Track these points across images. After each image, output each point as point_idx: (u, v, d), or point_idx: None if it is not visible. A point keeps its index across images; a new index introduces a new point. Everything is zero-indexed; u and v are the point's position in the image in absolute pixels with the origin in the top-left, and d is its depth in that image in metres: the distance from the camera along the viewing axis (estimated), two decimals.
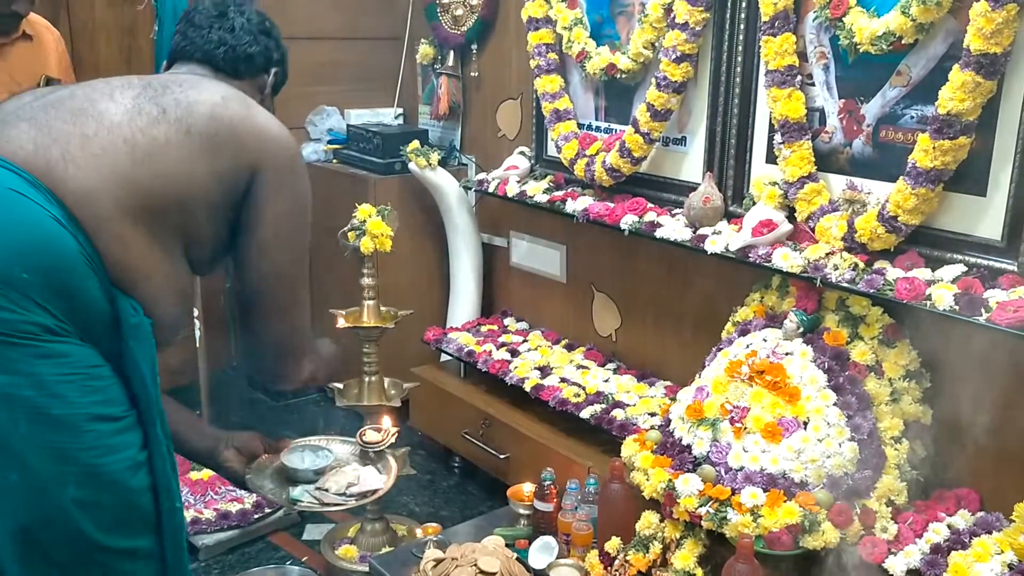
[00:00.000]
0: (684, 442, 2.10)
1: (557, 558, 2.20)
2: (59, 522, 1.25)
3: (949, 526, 1.96)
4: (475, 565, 1.98)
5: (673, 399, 2.41)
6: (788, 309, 2.25)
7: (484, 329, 3.29)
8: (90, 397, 1.27)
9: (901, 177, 1.97)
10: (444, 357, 3.29)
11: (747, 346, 2.20)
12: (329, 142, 3.72)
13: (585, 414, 2.61)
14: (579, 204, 2.75)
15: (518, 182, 3.05)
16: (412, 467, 2.76)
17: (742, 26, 2.35)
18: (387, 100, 3.85)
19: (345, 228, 2.54)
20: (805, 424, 2.00)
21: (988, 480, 2.07)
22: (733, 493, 1.95)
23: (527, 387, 2.80)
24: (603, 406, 2.63)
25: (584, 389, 2.73)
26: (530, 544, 2.26)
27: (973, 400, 2.08)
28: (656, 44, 2.55)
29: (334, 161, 3.67)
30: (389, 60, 3.80)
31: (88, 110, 1.32)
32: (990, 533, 1.93)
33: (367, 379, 2.63)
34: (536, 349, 3.08)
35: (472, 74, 3.42)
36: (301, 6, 3.58)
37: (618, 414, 2.57)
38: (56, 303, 1.24)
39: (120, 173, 1.29)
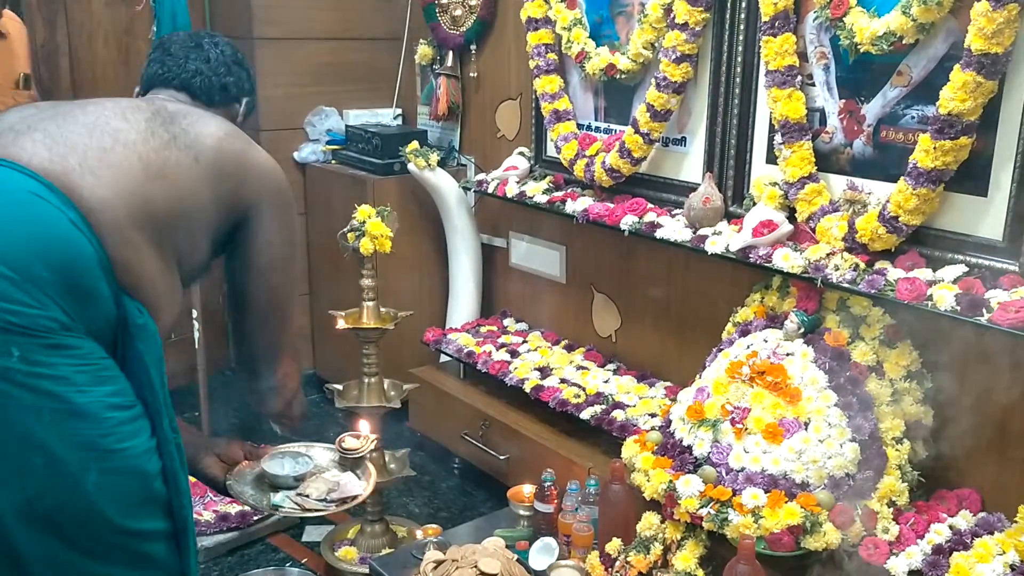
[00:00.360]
0: (685, 443, 2.10)
1: (558, 559, 2.20)
2: (80, 506, 1.30)
3: (951, 527, 1.96)
4: (475, 567, 1.97)
5: (673, 400, 2.40)
6: (789, 310, 2.25)
7: (483, 330, 3.28)
8: (104, 387, 1.33)
9: (902, 177, 1.96)
10: (443, 358, 3.29)
11: (748, 347, 2.20)
12: (328, 143, 3.71)
13: (585, 415, 2.61)
14: (579, 205, 2.75)
15: (517, 183, 3.05)
16: (412, 468, 2.75)
17: (742, 26, 2.35)
18: (386, 100, 3.85)
19: (345, 229, 2.53)
20: (806, 425, 1.99)
21: (989, 480, 2.07)
22: (734, 494, 1.94)
23: (527, 388, 2.79)
24: (603, 407, 2.62)
25: (584, 390, 2.72)
26: (530, 545, 2.25)
27: (974, 400, 2.08)
28: (656, 44, 2.55)
29: (332, 162, 3.67)
30: (388, 60, 3.80)
31: (103, 126, 1.41)
32: (992, 534, 1.93)
33: (367, 380, 2.63)
34: (536, 350, 3.07)
35: (471, 74, 3.42)
36: (299, 6, 3.57)
37: (618, 415, 2.57)
38: (69, 301, 1.30)
39: (134, 186, 1.38)
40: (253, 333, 1.68)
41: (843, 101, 2.16)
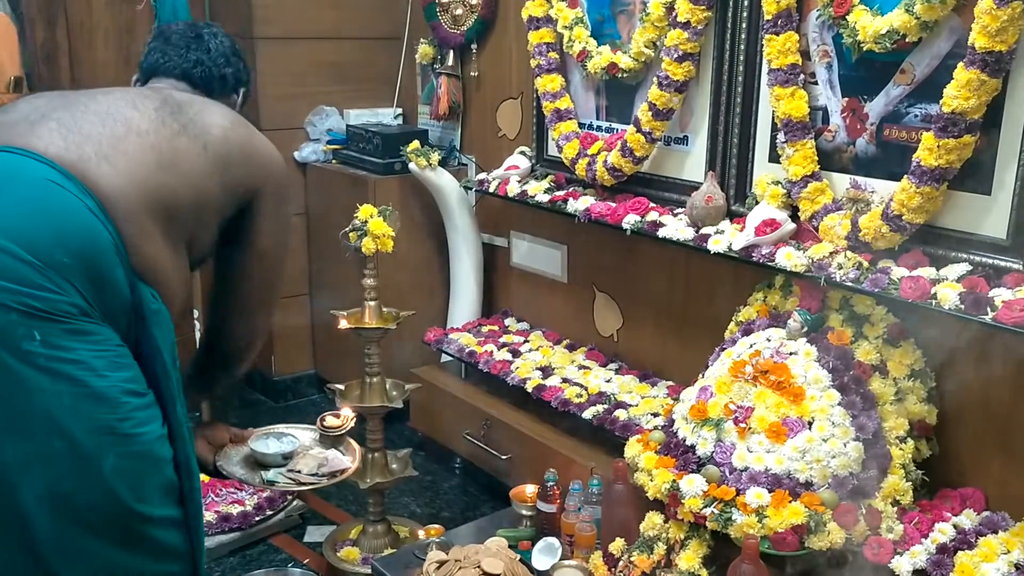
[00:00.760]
0: (688, 442, 2.10)
1: (560, 559, 2.19)
2: (98, 490, 1.32)
3: (955, 526, 1.95)
4: (478, 567, 1.96)
5: (676, 399, 2.40)
6: (792, 308, 2.24)
7: (485, 330, 3.28)
8: (121, 373, 1.35)
9: (905, 176, 1.96)
10: (444, 358, 3.28)
11: (751, 346, 2.20)
12: (328, 142, 3.70)
13: (587, 415, 2.61)
14: (581, 204, 2.74)
15: (519, 182, 3.04)
16: (413, 468, 2.74)
17: (744, 25, 2.34)
18: (386, 100, 3.84)
19: (346, 229, 2.52)
20: (810, 424, 1.99)
21: (993, 479, 2.07)
22: (738, 494, 1.94)
23: (529, 388, 2.79)
24: (605, 406, 2.62)
25: (586, 389, 2.72)
26: (533, 545, 2.25)
27: (978, 399, 2.08)
28: (658, 43, 2.54)
29: (333, 162, 3.66)
30: (388, 60, 3.79)
31: (115, 115, 1.44)
32: (996, 533, 1.93)
33: (368, 380, 2.62)
34: (537, 349, 3.07)
35: (472, 74, 3.41)
36: (300, 6, 3.56)
37: (620, 414, 2.56)
38: (88, 287, 1.32)
39: (147, 174, 1.41)
40: (236, 322, 1.70)
41: (846, 99, 2.16)
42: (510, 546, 2.17)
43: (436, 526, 2.48)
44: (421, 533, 2.47)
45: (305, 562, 2.72)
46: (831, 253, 2.10)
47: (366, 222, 2.50)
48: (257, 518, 2.82)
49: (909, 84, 2.02)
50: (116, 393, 1.33)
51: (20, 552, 1.30)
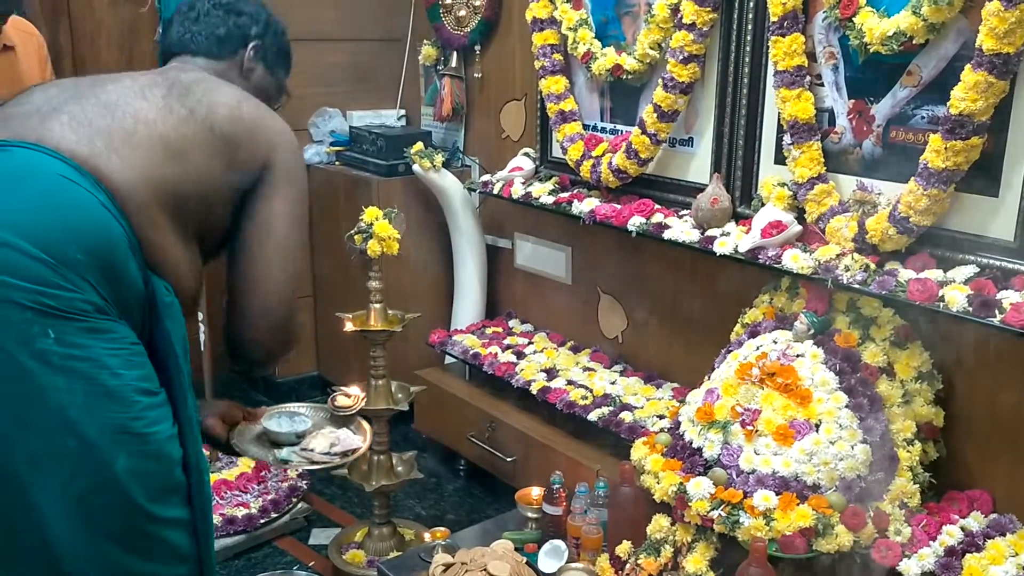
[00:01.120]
0: (695, 445, 2.09)
1: (567, 562, 2.19)
2: (111, 489, 1.32)
3: (962, 528, 1.95)
4: (485, 570, 1.96)
5: (681, 401, 2.40)
6: (798, 311, 2.24)
7: (489, 331, 3.27)
8: (135, 371, 1.34)
9: (913, 178, 1.95)
10: (448, 359, 3.28)
11: (757, 348, 2.19)
12: (331, 144, 3.70)
13: (593, 416, 2.60)
14: (586, 206, 2.74)
15: (523, 184, 3.04)
16: (418, 471, 2.74)
17: (749, 26, 2.34)
18: (389, 101, 3.84)
19: (352, 231, 2.52)
20: (817, 426, 1.99)
21: (1000, 482, 2.06)
22: (745, 496, 1.94)
23: (534, 389, 2.78)
24: (611, 408, 2.61)
25: (591, 391, 2.72)
26: (539, 548, 2.24)
27: (985, 401, 2.08)
28: (663, 45, 2.54)
29: (336, 163, 3.66)
30: (391, 61, 3.79)
31: (124, 106, 1.43)
32: (1003, 535, 1.93)
33: (374, 383, 2.61)
34: (542, 351, 3.06)
35: (475, 75, 3.41)
36: (302, 7, 3.56)
37: (626, 416, 2.56)
38: (103, 283, 1.32)
39: (156, 166, 1.40)
40: (259, 302, 1.56)
41: (852, 101, 2.15)
42: (516, 549, 2.17)
43: (442, 529, 2.48)
44: (427, 536, 2.47)
45: (310, 565, 2.72)
46: (838, 255, 2.09)
47: (371, 224, 2.49)
48: (262, 521, 2.82)
49: (916, 86, 2.02)
50: (129, 392, 1.32)
51: (33, 553, 1.30)
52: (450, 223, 3.40)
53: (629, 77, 2.65)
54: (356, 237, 2.51)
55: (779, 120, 2.27)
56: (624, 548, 2.11)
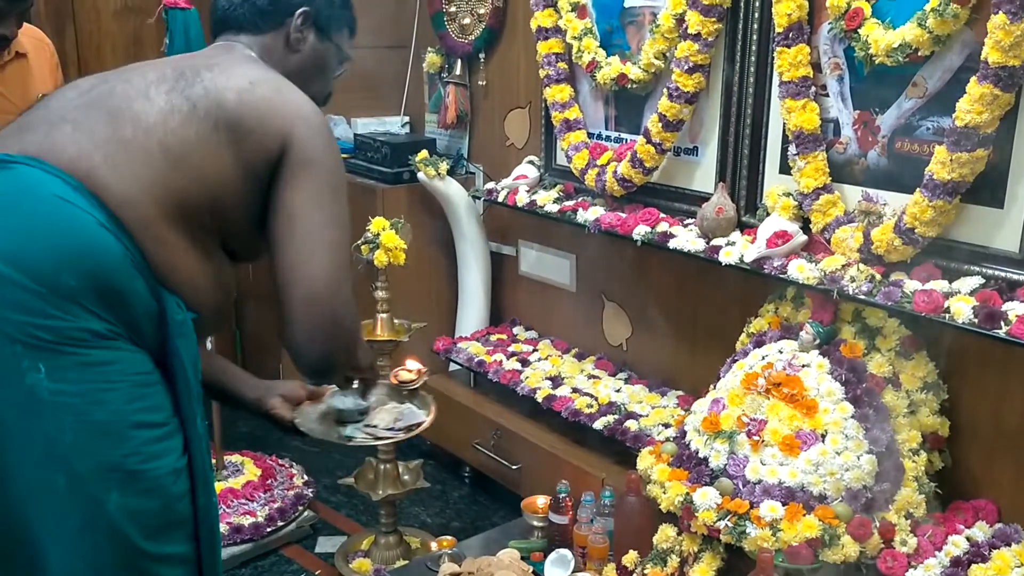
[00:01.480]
0: (701, 455, 2.10)
1: (573, 571, 2.19)
2: (103, 527, 1.28)
3: (968, 538, 1.96)
4: None
5: (686, 410, 2.40)
6: (803, 320, 2.24)
7: (493, 338, 3.28)
8: (135, 404, 1.30)
9: (918, 189, 1.96)
10: (452, 367, 3.29)
11: (763, 358, 2.20)
12: None
13: (598, 425, 2.61)
14: (591, 214, 2.75)
15: (528, 192, 3.05)
16: (424, 479, 2.75)
17: (754, 36, 2.34)
18: (393, 109, 3.84)
19: (359, 241, 2.53)
20: (823, 437, 1.99)
21: (1006, 491, 2.07)
22: (751, 507, 1.94)
23: (539, 397, 2.79)
24: (616, 417, 2.62)
25: (596, 399, 2.72)
26: (545, 557, 2.25)
27: (990, 411, 2.08)
28: (667, 54, 2.55)
29: None
30: (395, 69, 3.79)
31: (125, 112, 1.35)
32: (1009, 545, 1.93)
33: None
34: (546, 359, 3.07)
35: (480, 83, 3.42)
36: None
37: (631, 425, 2.57)
38: (105, 307, 1.27)
39: (157, 176, 1.33)
40: (305, 303, 1.39)
41: (857, 112, 2.16)
42: (522, 557, 2.18)
43: (448, 538, 2.48)
44: (433, 545, 2.47)
45: (317, 573, 2.73)
46: (843, 266, 2.10)
47: (378, 235, 2.50)
48: (268, 529, 2.83)
49: (921, 97, 2.03)
50: (124, 428, 1.28)
51: None
52: (455, 230, 3.41)
53: (634, 86, 2.66)
54: (363, 247, 2.52)
55: (783, 130, 2.27)
56: (631, 558, 2.11)
